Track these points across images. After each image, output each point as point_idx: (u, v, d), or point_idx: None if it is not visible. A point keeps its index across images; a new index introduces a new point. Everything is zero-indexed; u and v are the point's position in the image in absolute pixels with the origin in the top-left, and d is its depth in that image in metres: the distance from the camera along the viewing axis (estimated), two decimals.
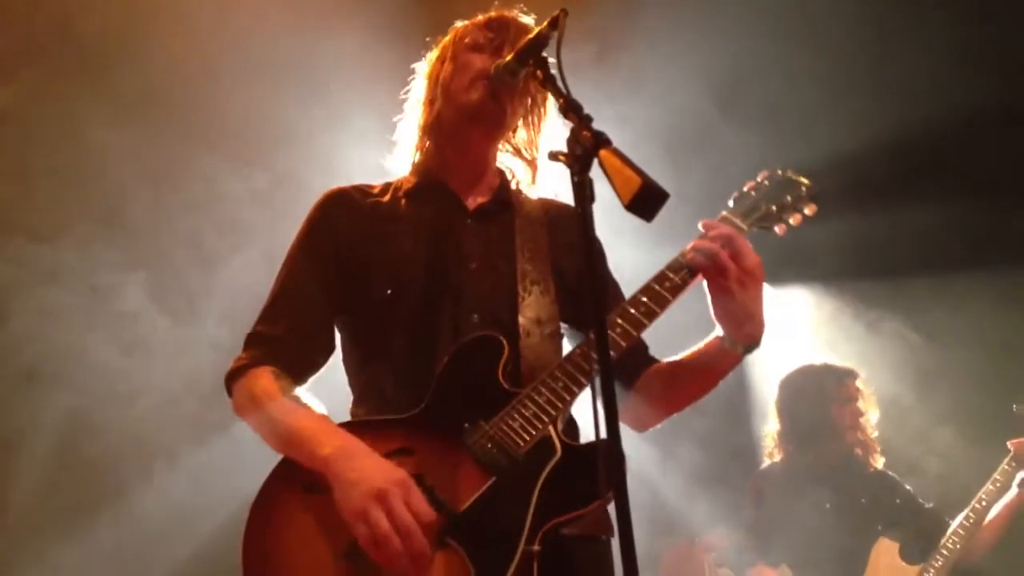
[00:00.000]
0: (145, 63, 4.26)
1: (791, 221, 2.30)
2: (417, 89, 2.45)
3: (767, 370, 5.50)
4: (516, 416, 2.02)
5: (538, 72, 1.97)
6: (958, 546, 4.27)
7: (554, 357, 2.21)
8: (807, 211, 2.30)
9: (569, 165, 1.73)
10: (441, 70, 2.37)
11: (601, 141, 1.71)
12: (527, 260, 2.29)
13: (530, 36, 2.04)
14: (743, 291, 2.10)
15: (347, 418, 2.24)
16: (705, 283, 2.14)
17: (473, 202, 2.38)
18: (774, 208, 2.28)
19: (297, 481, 2.02)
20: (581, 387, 2.04)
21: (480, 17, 2.38)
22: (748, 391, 5.88)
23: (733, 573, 4.58)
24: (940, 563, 4.27)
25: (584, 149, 1.71)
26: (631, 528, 1.53)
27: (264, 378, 2.17)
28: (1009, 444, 4.39)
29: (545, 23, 1.99)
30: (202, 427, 4.16)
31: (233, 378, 2.22)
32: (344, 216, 2.33)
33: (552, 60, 1.94)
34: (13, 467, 4.13)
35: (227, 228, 4.31)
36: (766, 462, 4.80)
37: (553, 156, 1.78)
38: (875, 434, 4.62)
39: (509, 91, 2.23)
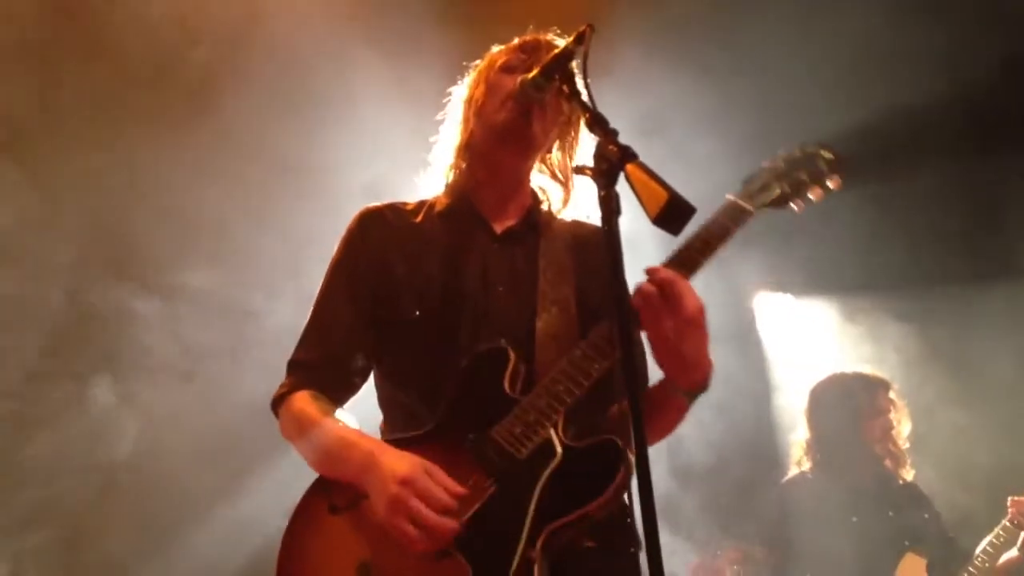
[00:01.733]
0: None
1: (811, 196, 2.22)
2: (453, 111, 2.47)
3: (792, 377, 5.49)
4: (518, 422, 2.03)
5: (564, 87, 1.99)
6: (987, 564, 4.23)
7: None
8: (831, 184, 2.21)
9: (595, 179, 1.74)
10: (475, 92, 2.39)
11: (627, 155, 1.72)
12: (548, 281, 2.29)
13: (556, 51, 2.06)
14: (680, 339, 1.98)
15: (378, 435, 2.28)
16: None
17: (501, 225, 2.39)
18: (787, 188, 2.22)
19: (324, 502, 2.09)
20: (582, 389, 2.02)
21: (515, 41, 2.40)
22: (773, 399, 5.85)
23: None
24: None
25: (610, 163, 1.72)
26: (658, 541, 1.53)
27: (302, 401, 2.23)
28: (1009, 502, 4.28)
29: (571, 38, 2.01)
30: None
31: (277, 405, 2.29)
32: (377, 236, 2.36)
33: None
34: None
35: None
36: (793, 470, 4.76)
37: (579, 170, 1.80)
38: (907, 446, 4.57)
39: (540, 110, 2.24)
